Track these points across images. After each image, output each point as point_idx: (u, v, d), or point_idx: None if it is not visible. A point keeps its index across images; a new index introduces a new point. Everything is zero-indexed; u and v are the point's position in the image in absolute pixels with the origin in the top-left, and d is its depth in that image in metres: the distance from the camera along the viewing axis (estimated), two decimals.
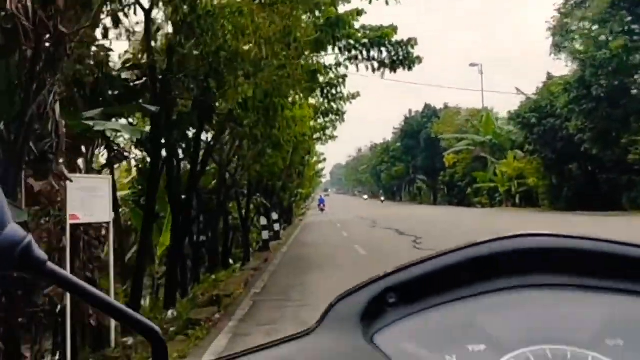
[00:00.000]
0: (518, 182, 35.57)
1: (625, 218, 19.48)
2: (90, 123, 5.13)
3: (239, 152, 14.96)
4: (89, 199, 5.78)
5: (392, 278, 0.65)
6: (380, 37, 12.47)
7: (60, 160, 5.45)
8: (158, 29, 7.40)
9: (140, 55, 7.22)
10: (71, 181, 4.87)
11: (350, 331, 0.60)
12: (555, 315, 0.62)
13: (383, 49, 12.92)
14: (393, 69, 14.15)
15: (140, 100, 6.90)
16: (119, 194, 16.71)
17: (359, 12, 11.70)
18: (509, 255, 0.65)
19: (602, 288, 0.63)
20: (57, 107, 4.15)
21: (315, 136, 24.02)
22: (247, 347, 0.59)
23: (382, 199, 65.70)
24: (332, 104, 20.22)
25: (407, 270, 0.65)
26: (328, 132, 24.47)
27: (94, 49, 6.60)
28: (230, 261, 23.12)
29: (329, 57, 13.98)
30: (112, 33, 6.75)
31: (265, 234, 16.32)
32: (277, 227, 20.83)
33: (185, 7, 5.84)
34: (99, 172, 8.76)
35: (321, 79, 15.35)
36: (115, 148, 8.92)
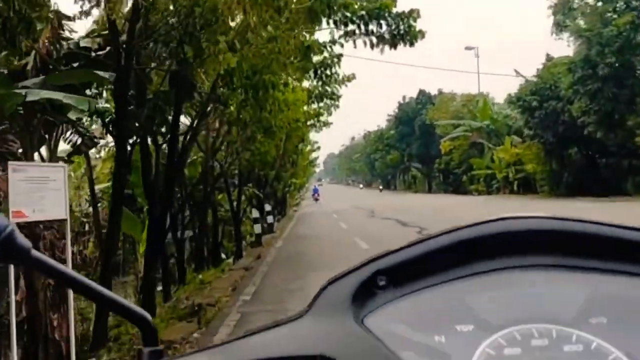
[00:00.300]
0: (516, 169, 34.79)
1: (635, 203, 18.61)
2: (22, 92, 4.05)
3: (227, 138, 13.90)
4: (39, 192, 4.73)
5: (382, 261, 0.66)
6: (379, 8, 11.34)
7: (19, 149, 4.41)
8: None
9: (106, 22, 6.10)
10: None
11: (341, 314, 0.61)
12: (541, 295, 0.63)
13: (382, 22, 11.77)
14: (393, 44, 12.98)
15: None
16: (100, 186, 15.69)
17: None
18: (497, 237, 0.66)
19: (586, 268, 0.64)
20: None
21: (308, 123, 23.08)
22: None
23: (381, 187, 64.25)
24: (327, 87, 19.50)
25: (396, 254, 0.67)
26: (322, 118, 23.45)
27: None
28: (223, 256, 22.17)
29: (323, 33, 12.92)
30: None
31: (258, 228, 15.27)
32: (270, 219, 19.77)
33: None
34: (66, 161, 7.63)
35: (315, 58, 14.29)
36: (86, 133, 7.81)
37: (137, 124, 6.52)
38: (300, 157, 33.18)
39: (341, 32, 12.83)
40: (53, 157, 7.29)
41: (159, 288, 11.54)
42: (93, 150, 14.86)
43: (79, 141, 7.75)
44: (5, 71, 5.23)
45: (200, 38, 5.53)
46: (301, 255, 11.58)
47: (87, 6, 5.76)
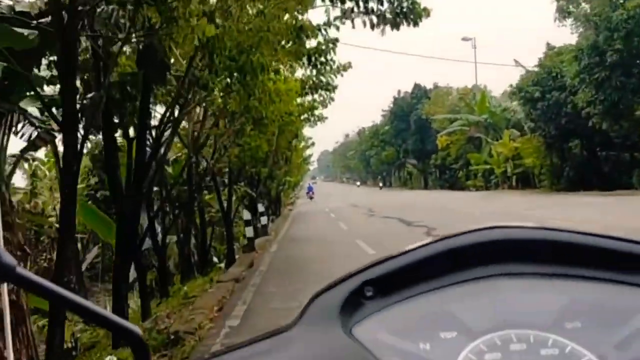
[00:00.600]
0: (514, 163, 33.78)
1: None
2: None
3: (213, 131, 12.69)
4: None
5: (369, 272, 0.67)
6: None
7: None
8: None
9: None
10: None
11: (330, 324, 0.62)
12: (520, 301, 0.65)
13: None
14: (395, 25, 11.75)
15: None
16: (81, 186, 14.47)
17: None
18: (479, 246, 0.68)
19: (566, 275, 0.66)
20: None
21: (302, 117, 21.97)
22: None
23: (381, 185, 61.95)
24: (322, 77, 18.51)
25: (383, 264, 0.68)
26: (317, 112, 22.32)
27: None
28: (215, 259, 20.99)
29: (317, 12, 11.78)
30: None
31: (250, 231, 14.04)
32: (264, 220, 18.56)
33: None
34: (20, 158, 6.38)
35: (309, 44, 13.12)
36: (41, 125, 6.58)
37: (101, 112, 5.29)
38: (294, 154, 32.27)
39: (338, 13, 11.68)
40: (1, 154, 6.05)
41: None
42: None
43: (34, 135, 6.52)
44: None
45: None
46: (299, 262, 10.36)
47: None
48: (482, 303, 0.65)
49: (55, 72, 6.23)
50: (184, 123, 13.50)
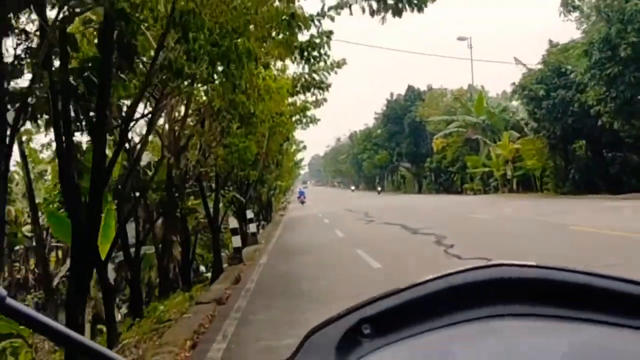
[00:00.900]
0: (515, 166, 32.59)
1: None
2: None
3: (196, 129, 11.31)
4: None
5: (367, 309, 0.65)
6: None
7: None
8: None
9: None
10: None
11: None
12: (523, 345, 0.63)
13: None
14: (398, 11, 10.33)
15: None
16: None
17: None
18: (482, 285, 0.65)
19: (571, 318, 0.64)
20: None
21: (294, 118, 20.71)
22: None
23: (379, 189, 59.36)
24: (314, 74, 17.33)
25: (382, 301, 0.66)
26: (309, 113, 21.05)
27: None
28: (202, 268, 19.54)
29: (310, 3, 10.55)
30: None
31: (237, 240, 12.61)
32: (253, 227, 17.10)
33: None
34: None
35: (301, 37, 11.85)
36: None
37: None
38: (286, 158, 31.14)
39: (333, 2, 10.39)
40: None
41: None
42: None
43: None
44: None
45: None
46: (292, 279, 8.85)
47: None
48: (483, 345, 0.63)
49: None
50: (162, 121, 12.15)
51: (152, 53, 7.48)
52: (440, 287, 0.65)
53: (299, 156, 47.70)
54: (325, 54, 13.17)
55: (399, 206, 27.89)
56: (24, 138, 14.67)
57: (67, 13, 5.73)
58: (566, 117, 22.77)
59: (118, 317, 12.08)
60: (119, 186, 11.20)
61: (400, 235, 13.22)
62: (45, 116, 7.06)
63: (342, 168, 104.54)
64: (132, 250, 9.95)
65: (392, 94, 60.34)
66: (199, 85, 8.45)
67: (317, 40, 12.97)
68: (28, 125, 8.10)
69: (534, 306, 0.65)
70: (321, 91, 17.79)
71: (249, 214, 17.25)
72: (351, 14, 10.87)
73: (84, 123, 7.17)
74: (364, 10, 10.42)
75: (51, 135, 8.75)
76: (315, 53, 13.23)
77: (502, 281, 0.65)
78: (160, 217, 11.91)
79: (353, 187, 79.61)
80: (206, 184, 16.60)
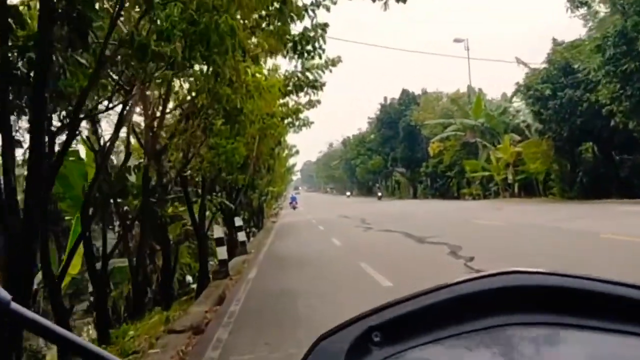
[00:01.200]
0: (516, 170, 31.40)
1: None
2: None
3: (175, 125, 9.94)
4: None
5: (377, 316, 0.64)
6: None
7: None
8: None
9: None
10: None
11: None
12: (536, 354, 0.62)
13: None
14: None
15: None
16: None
17: None
18: (491, 293, 0.64)
19: (587, 327, 0.62)
20: None
21: (286, 121, 19.53)
22: None
23: (380, 194, 57.11)
24: (308, 73, 16.25)
25: (391, 308, 0.64)
26: (302, 115, 19.90)
27: None
28: (189, 278, 18.09)
29: None
30: None
31: (222, 252, 11.17)
32: (242, 236, 15.66)
33: None
34: None
35: (294, 28, 10.59)
36: None
37: None
38: (277, 163, 29.99)
39: None
40: None
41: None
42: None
43: None
44: None
45: None
46: (284, 300, 7.31)
47: None
48: (495, 354, 0.62)
49: None
50: (137, 118, 10.77)
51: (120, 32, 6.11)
52: (452, 295, 0.63)
53: (291, 161, 46.58)
54: (320, 47, 11.84)
55: (395, 212, 26.54)
56: None
57: None
58: (574, 117, 21.58)
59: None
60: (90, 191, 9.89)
61: (406, 244, 11.78)
62: None
63: (334, 174, 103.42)
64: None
65: (385, 98, 59.36)
66: (175, 72, 7.04)
67: (312, 34, 11.66)
68: None
69: (548, 314, 0.62)
70: (315, 91, 16.63)
71: (238, 222, 15.83)
72: None
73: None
74: None
75: None
76: (309, 47, 11.89)
77: (514, 289, 0.63)
78: (133, 225, 10.48)
79: (348, 193, 77.74)
80: (192, 189, 15.27)
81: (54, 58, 5.22)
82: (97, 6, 5.70)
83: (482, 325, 0.63)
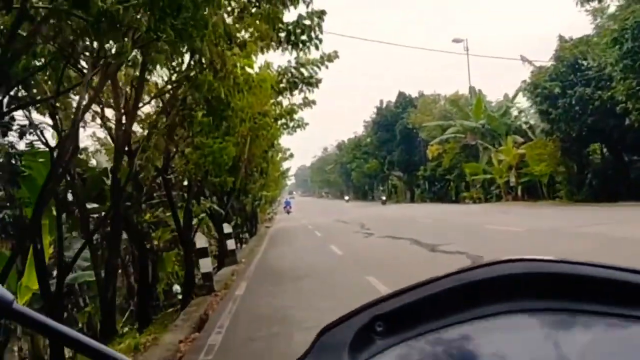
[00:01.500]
0: (519, 172, 30.21)
1: None
2: None
3: (149, 118, 8.63)
4: None
5: (380, 306, 0.64)
6: None
7: None
8: None
9: None
10: None
11: None
12: (541, 340, 0.61)
13: None
14: None
15: None
16: None
17: None
18: (496, 281, 0.64)
19: (587, 311, 0.62)
20: None
21: (279, 122, 18.44)
22: None
23: (384, 198, 55.06)
24: (303, 69, 15.23)
25: (394, 299, 0.64)
26: (296, 116, 18.82)
27: None
28: (176, 287, 16.74)
29: None
30: None
31: (206, 264, 9.78)
32: (231, 244, 14.30)
33: None
34: None
35: (287, 17, 9.44)
36: None
37: None
38: (271, 166, 28.76)
39: None
40: None
41: None
42: None
43: None
44: None
45: None
46: (278, 327, 5.89)
47: None
48: (499, 341, 0.61)
49: None
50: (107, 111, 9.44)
51: None
52: (455, 283, 0.63)
53: (285, 165, 45.34)
54: (317, 37, 10.54)
55: (395, 217, 25.25)
56: None
57: None
58: (585, 116, 20.39)
59: None
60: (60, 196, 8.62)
61: (416, 254, 10.39)
62: None
63: (329, 178, 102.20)
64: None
65: (382, 101, 58.31)
66: (139, 45, 5.70)
67: (307, 22, 10.43)
68: None
69: (553, 301, 0.62)
70: (310, 87, 15.47)
71: (227, 228, 14.48)
72: None
73: None
74: None
75: None
76: (304, 37, 10.60)
77: (519, 276, 0.63)
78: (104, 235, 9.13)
79: (347, 197, 75.94)
80: (178, 193, 13.99)
81: None
82: None
83: (484, 312, 0.62)
